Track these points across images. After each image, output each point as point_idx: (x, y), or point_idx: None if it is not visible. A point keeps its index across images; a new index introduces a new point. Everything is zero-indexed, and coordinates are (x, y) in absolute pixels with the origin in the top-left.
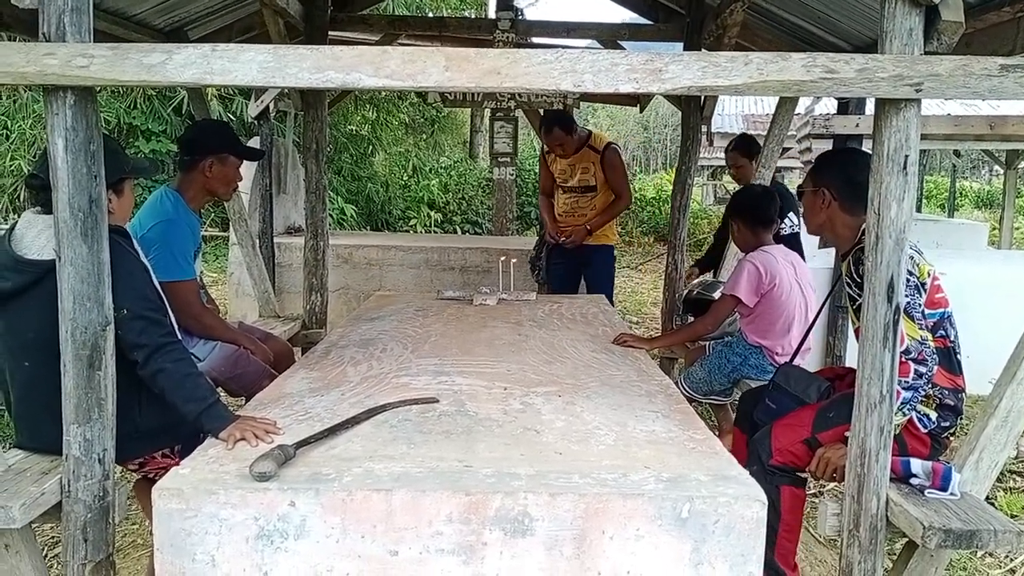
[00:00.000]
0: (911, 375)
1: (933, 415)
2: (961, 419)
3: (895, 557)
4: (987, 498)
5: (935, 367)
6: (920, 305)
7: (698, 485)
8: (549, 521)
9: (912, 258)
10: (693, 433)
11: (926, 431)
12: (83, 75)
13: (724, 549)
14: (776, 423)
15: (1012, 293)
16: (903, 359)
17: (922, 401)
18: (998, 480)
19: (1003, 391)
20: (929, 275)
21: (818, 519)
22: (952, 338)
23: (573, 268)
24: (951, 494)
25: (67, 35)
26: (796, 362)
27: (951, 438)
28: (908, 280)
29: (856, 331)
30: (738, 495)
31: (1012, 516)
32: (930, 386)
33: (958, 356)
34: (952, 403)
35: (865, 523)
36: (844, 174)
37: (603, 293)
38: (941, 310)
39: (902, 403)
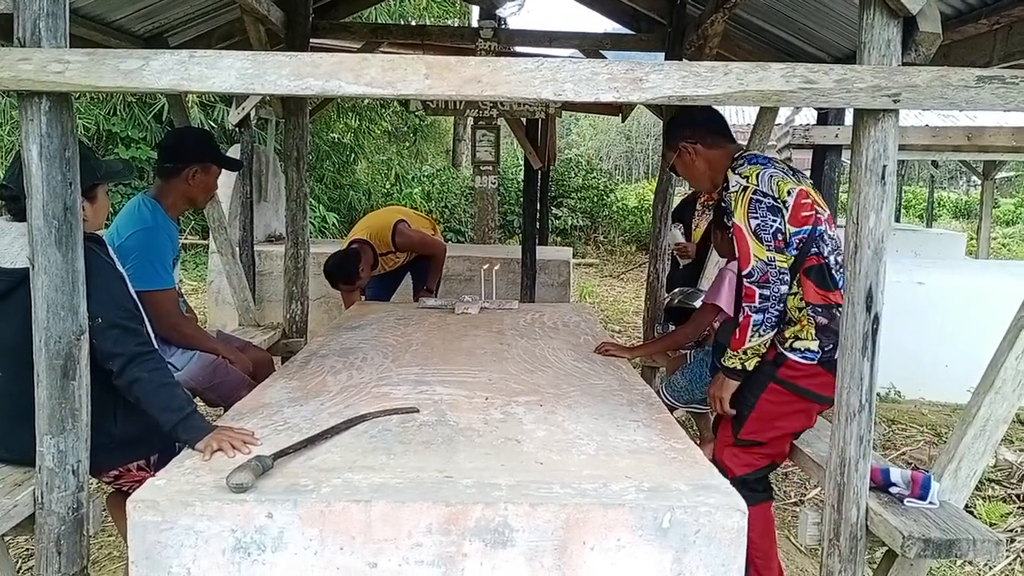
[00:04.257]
0: (756, 299)
1: (814, 346)
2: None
3: (875, 566)
4: (966, 507)
5: (783, 287)
6: (772, 226)
7: (679, 495)
8: (529, 532)
9: (771, 177)
10: (674, 442)
11: (815, 362)
12: (58, 81)
13: (705, 559)
14: (716, 449)
15: (989, 302)
16: (746, 284)
17: (796, 332)
18: (977, 489)
19: (981, 400)
20: (791, 194)
21: (798, 528)
22: (826, 254)
23: (395, 277)
24: (930, 503)
25: (42, 40)
26: None
27: None
28: (761, 201)
29: (716, 249)
30: (719, 504)
31: (991, 524)
32: (803, 305)
33: (833, 271)
34: (826, 321)
35: (845, 532)
36: (689, 119)
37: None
38: (809, 227)
39: (754, 325)
